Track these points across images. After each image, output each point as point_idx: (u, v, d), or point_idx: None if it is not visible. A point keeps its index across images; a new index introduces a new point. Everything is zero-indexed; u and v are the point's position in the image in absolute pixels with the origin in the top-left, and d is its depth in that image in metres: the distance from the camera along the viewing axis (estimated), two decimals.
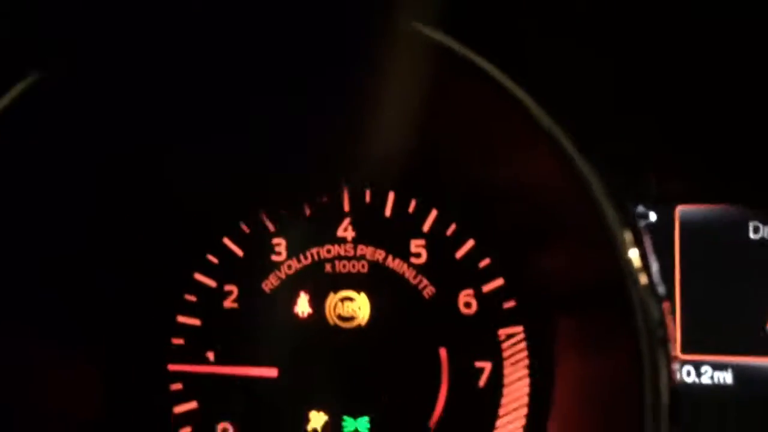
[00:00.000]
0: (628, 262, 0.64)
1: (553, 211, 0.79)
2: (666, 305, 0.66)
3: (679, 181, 0.93)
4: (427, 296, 0.95)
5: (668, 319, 0.66)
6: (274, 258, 0.99)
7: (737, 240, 0.93)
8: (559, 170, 0.67)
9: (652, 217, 0.96)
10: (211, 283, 1.00)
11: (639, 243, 0.65)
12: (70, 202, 0.91)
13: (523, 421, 0.92)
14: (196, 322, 1.00)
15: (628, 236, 0.65)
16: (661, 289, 0.66)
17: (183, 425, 0.99)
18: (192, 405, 0.99)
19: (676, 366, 0.66)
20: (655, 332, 0.63)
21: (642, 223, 0.93)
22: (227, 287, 1.00)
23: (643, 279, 0.64)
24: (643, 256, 0.64)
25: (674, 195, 0.94)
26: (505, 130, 0.75)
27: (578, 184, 0.65)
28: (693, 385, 0.93)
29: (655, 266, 0.67)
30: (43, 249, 0.89)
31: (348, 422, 0.96)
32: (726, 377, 0.92)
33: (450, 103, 0.76)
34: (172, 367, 0.99)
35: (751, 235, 0.93)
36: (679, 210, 0.95)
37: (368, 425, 0.95)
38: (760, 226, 0.93)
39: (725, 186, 0.91)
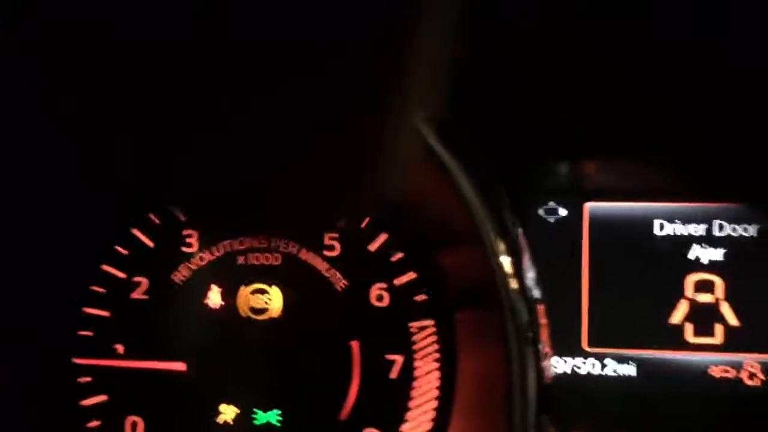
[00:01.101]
0: (500, 268, 0.66)
1: (443, 220, 0.80)
2: (541, 308, 0.68)
3: (588, 178, 0.94)
4: (339, 289, 0.93)
5: (542, 320, 0.68)
6: (185, 250, 0.96)
7: (644, 236, 0.95)
8: (443, 187, 0.69)
9: (562, 212, 0.96)
10: (120, 274, 0.96)
11: (513, 251, 0.66)
12: None
13: (432, 414, 0.91)
14: (104, 314, 0.96)
15: (500, 246, 0.66)
16: (535, 293, 0.67)
17: (92, 418, 0.95)
18: (101, 398, 0.95)
19: (548, 363, 0.68)
20: (523, 333, 0.65)
21: (552, 219, 0.96)
22: (137, 279, 0.96)
23: (514, 284, 0.65)
24: (517, 264, 0.66)
25: (583, 192, 0.95)
26: None
27: (459, 199, 0.66)
28: (597, 378, 0.95)
29: (531, 273, 0.68)
30: None
31: (259, 415, 0.94)
32: (629, 370, 0.95)
33: None
34: (79, 361, 0.95)
35: (657, 232, 0.95)
36: (588, 206, 0.96)
37: (279, 418, 0.95)
38: (665, 223, 0.95)
39: (633, 184, 0.93)
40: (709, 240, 0.91)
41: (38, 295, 0.95)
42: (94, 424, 0.95)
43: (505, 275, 0.65)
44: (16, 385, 0.94)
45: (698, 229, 0.92)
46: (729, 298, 0.91)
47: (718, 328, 0.91)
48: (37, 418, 0.95)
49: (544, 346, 0.68)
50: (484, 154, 0.74)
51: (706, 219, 0.92)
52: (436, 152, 0.66)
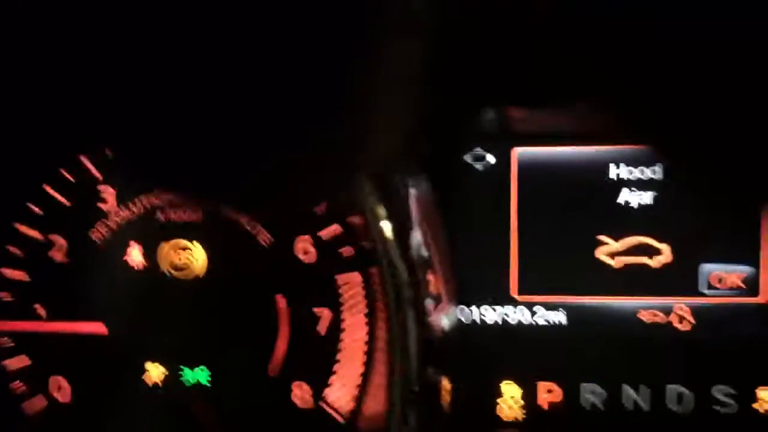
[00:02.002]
0: (380, 232, 0.66)
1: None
2: (433, 268, 0.68)
3: (516, 123, 0.91)
4: (264, 243, 0.90)
5: (428, 277, 0.68)
6: (102, 207, 0.91)
7: (572, 181, 0.92)
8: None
9: (490, 159, 0.93)
10: (36, 234, 0.92)
11: (394, 216, 0.65)
12: None
13: (361, 368, 0.90)
14: (22, 276, 0.93)
15: (381, 211, 0.65)
16: (420, 253, 0.67)
17: (14, 380, 0.92)
18: (23, 361, 0.93)
19: (437, 318, 0.69)
20: (402, 293, 0.65)
21: (479, 166, 0.93)
22: (54, 238, 0.92)
23: (394, 247, 0.65)
24: (399, 228, 0.65)
25: (511, 137, 0.92)
26: None
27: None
28: (528, 326, 0.94)
29: (417, 234, 0.67)
30: None
31: (187, 373, 0.92)
32: (559, 317, 0.93)
33: None
34: None
35: (586, 176, 0.92)
36: (516, 151, 0.93)
37: (207, 376, 0.92)
38: (594, 167, 0.92)
39: (561, 128, 0.89)
40: (638, 183, 0.89)
41: None
42: (18, 386, 0.93)
43: (384, 239, 0.65)
44: None
45: (627, 173, 0.90)
46: (658, 241, 0.90)
47: (647, 273, 0.90)
48: None
49: (432, 303, 0.67)
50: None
51: (635, 162, 0.89)
52: None
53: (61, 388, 0.92)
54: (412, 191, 0.76)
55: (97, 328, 0.90)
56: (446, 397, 0.76)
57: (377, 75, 0.76)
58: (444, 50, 0.81)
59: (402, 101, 0.81)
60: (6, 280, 0.92)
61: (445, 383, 0.75)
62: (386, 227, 0.68)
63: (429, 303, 0.70)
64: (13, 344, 0.92)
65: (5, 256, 0.92)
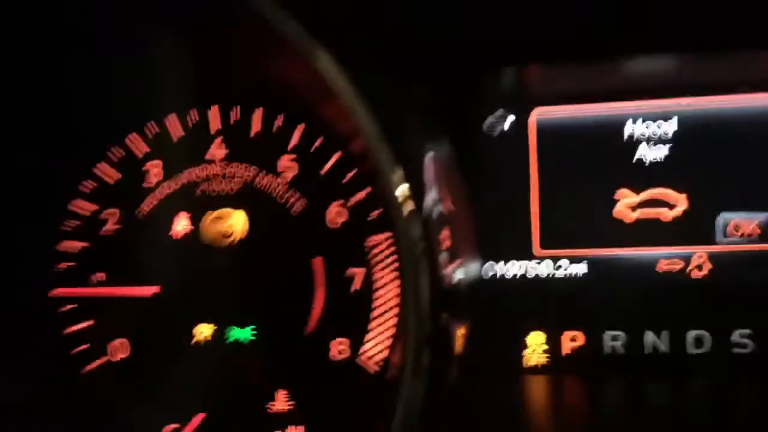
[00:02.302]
0: (393, 193, 0.70)
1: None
2: (444, 221, 0.73)
3: (534, 84, 0.94)
4: (298, 210, 0.95)
5: (443, 233, 0.72)
6: (150, 181, 0.98)
7: (589, 138, 0.95)
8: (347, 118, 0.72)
9: (510, 119, 0.97)
10: (91, 208, 0.99)
11: (409, 177, 0.69)
12: None
13: (394, 321, 0.96)
14: (80, 247, 1.00)
15: (397, 172, 0.70)
16: (434, 211, 0.72)
17: (79, 343, 1.00)
18: (85, 324, 1.00)
19: (448, 270, 0.73)
20: (415, 247, 0.70)
21: (500, 127, 0.97)
22: (107, 212, 0.99)
23: (408, 206, 0.70)
24: (414, 187, 0.70)
25: (530, 98, 0.95)
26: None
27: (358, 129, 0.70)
28: (550, 279, 0.98)
29: (431, 193, 0.72)
30: None
31: (234, 332, 0.99)
32: (581, 269, 0.97)
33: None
34: (61, 291, 0.99)
35: (603, 133, 0.95)
36: (536, 112, 0.96)
37: (251, 334, 0.99)
38: (611, 124, 0.95)
39: (578, 88, 0.92)
40: (654, 138, 0.92)
41: (18, 232, 1.01)
42: (81, 347, 1.01)
43: (397, 199, 0.69)
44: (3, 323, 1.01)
45: (644, 128, 0.92)
46: (678, 192, 0.92)
47: (665, 224, 0.93)
48: (27, 349, 1.03)
49: (446, 256, 0.72)
50: (389, 78, 0.77)
51: (651, 117, 0.92)
52: (331, 82, 0.68)
53: (119, 347, 1.00)
54: (430, 152, 0.80)
55: (150, 291, 0.98)
56: (460, 343, 0.81)
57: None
58: (464, 10, 0.84)
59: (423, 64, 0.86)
60: (67, 252, 1.00)
61: (460, 330, 0.80)
62: (403, 187, 0.72)
63: (443, 256, 0.75)
64: (74, 309, 1.01)
65: (65, 229, 1.01)
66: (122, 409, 0.99)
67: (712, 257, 0.90)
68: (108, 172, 0.99)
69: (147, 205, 0.98)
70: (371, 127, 0.70)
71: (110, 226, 0.99)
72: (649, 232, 0.91)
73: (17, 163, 0.94)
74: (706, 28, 0.76)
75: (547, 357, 0.94)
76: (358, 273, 0.95)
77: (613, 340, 0.93)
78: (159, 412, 0.99)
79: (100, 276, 1.00)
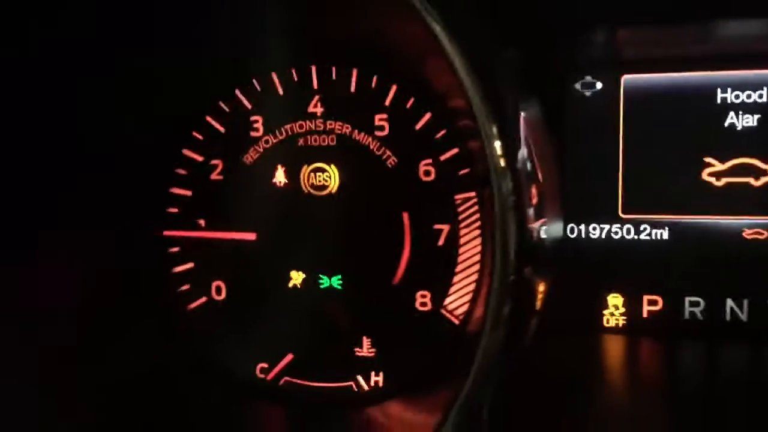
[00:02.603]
0: (492, 149, 0.73)
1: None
2: (532, 179, 0.76)
3: (622, 50, 0.96)
4: (390, 166, 1.00)
5: (531, 190, 0.75)
6: (253, 134, 1.05)
7: (678, 105, 0.96)
8: (447, 72, 0.75)
9: (599, 86, 0.99)
10: (199, 157, 1.07)
11: (503, 134, 0.73)
12: (71, 91, 1.01)
13: (475, 276, 0.99)
14: (187, 192, 1.07)
15: (493, 129, 0.73)
16: (525, 167, 0.75)
17: (182, 283, 1.08)
18: (189, 265, 1.08)
19: (535, 226, 0.76)
20: (506, 201, 0.73)
21: (589, 92, 0.99)
22: (213, 161, 1.06)
23: (502, 162, 0.73)
24: (507, 145, 0.73)
25: (618, 64, 0.97)
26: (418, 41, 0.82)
27: (459, 86, 0.74)
28: (633, 242, 1.00)
29: (522, 151, 0.75)
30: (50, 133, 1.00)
31: (324, 280, 1.04)
32: (663, 234, 0.99)
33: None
34: (168, 233, 1.08)
35: (690, 101, 0.96)
36: (624, 79, 0.98)
37: (340, 282, 1.04)
38: (698, 91, 0.95)
39: (665, 54, 0.94)
40: (744, 107, 0.92)
41: (131, 179, 1.09)
42: (185, 287, 1.09)
43: (492, 153, 0.73)
44: (116, 258, 1.10)
45: (734, 97, 0.93)
46: (765, 162, 0.93)
47: (752, 192, 0.93)
48: (137, 286, 1.12)
49: (533, 212, 0.76)
50: (490, 35, 0.80)
51: (742, 86, 0.92)
52: (434, 34, 0.72)
53: (218, 289, 1.08)
54: (523, 113, 0.84)
55: (249, 236, 1.05)
56: (541, 299, 0.84)
57: None
58: None
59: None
60: (174, 196, 1.08)
61: (542, 286, 0.84)
62: (497, 144, 0.76)
63: (530, 211, 0.79)
64: (179, 250, 1.10)
65: (174, 176, 1.09)
66: (218, 346, 1.08)
67: None
68: (216, 124, 1.06)
69: (250, 156, 1.05)
70: (472, 85, 0.73)
71: (216, 175, 1.07)
72: (734, 200, 0.92)
73: (137, 111, 1.03)
74: None
75: (626, 319, 0.96)
76: (444, 229, 1.00)
77: (693, 305, 0.94)
78: (251, 351, 1.08)
79: (204, 221, 1.09)
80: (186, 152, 1.08)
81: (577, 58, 0.94)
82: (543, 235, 0.83)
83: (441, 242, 1.00)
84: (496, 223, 0.73)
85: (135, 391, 1.03)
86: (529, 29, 0.88)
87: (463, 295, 0.99)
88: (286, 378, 1.06)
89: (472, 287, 0.99)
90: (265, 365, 1.07)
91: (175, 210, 1.09)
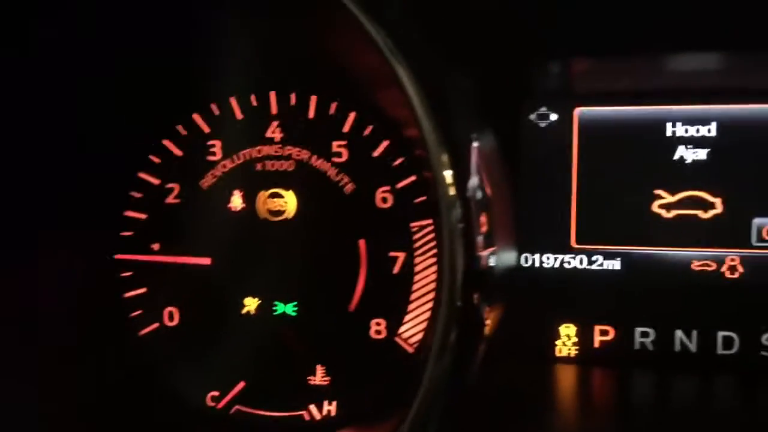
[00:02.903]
0: (442, 177, 0.75)
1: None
2: (483, 207, 0.78)
3: (578, 83, 0.98)
4: (347, 192, 1.01)
5: (481, 218, 0.77)
6: (210, 158, 1.05)
7: (630, 138, 0.98)
8: (402, 101, 0.77)
9: (553, 117, 1.01)
10: (155, 180, 1.06)
11: (455, 163, 0.75)
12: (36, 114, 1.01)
13: (431, 304, 0.99)
14: (142, 216, 1.07)
15: (444, 159, 0.75)
16: (476, 195, 0.76)
17: (134, 309, 1.07)
18: (141, 290, 1.07)
19: (484, 254, 0.78)
20: (454, 228, 0.74)
21: (543, 123, 1.02)
22: (169, 185, 1.06)
23: (452, 191, 0.75)
24: (459, 173, 0.75)
25: (573, 97, 0.99)
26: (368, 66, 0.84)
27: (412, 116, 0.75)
28: (585, 272, 1.01)
29: (473, 180, 0.77)
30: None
31: (278, 306, 1.03)
32: (615, 265, 1.00)
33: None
34: (121, 256, 1.06)
35: (643, 134, 0.98)
36: (578, 111, 1.01)
37: (295, 309, 1.03)
38: (651, 125, 0.98)
39: (620, 87, 0.96)
40: (693, 141, 0.95)
41: (85, 201, 1.08)
42: (135, 313, 1.08)
43: (441, 182, 0.74)
44: (67, 282, 1.08)
45: (683, 131, 0.96)
46: (714, 195, 0.96)
47: (700, 225, 0.95)
48: (86, 312, 1.10)
49: (482, 239, 0.77)
50: (445, 66, 0.82)
51: (691, 121, 0.95)
52: (389, 63, 0.74)
53: (171, 314, 1.07)
54: (476, 143, 0.85)
55: (203, 261, 1.04)
56: (490, 326, 0.85)
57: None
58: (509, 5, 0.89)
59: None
60: (128, 220, 1.07)
61: (491, 313, 0.84)
62: (447, 172, 0.78)
63: (479, 239, 0.80)
64: (131, 275, 1.08)
65: (128, 199, 1.08)
66: (169, 373, 1.07)
67: (745, 260, 0.93)
68: (173, 148, 1.06)
69: (207, 180, 1.05)
70: (423, 114, 0.75)
71: (172, 199, 1.06)
72: (683, 232, 0.94)
73: (92, 134, 1.03)
74: (748, 26, 0.80)
75: (578, 349, 0.97)
76: (399, 256, 1.01)
77: (643, 336, 0.96)
78: (203, 378, 1.06)
79: (158, 245, 1.08)
80: (142, 175, 1.07)
81: (533, 89, 0.96)
82: (492, 263, 0.84)
83: (396, 270, 1.00)
84: (445, 249, 0.74)
85: (82, 418, 1.01)
86: (485, 59, 0.90)
87: (418, 323, 0.99)
88: (237, 406, 1.04)
89: (426, 315, 0.99)
90: (216, 393, 1.05)
91: (128, 233, 1.08)
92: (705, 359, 0.94)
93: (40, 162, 0.99)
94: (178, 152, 1.06)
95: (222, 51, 1.02)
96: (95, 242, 1.06)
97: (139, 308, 1.07)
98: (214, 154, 1.05)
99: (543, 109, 0.97)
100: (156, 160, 1.07)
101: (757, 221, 0.93)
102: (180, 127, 1.06)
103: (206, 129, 1.05)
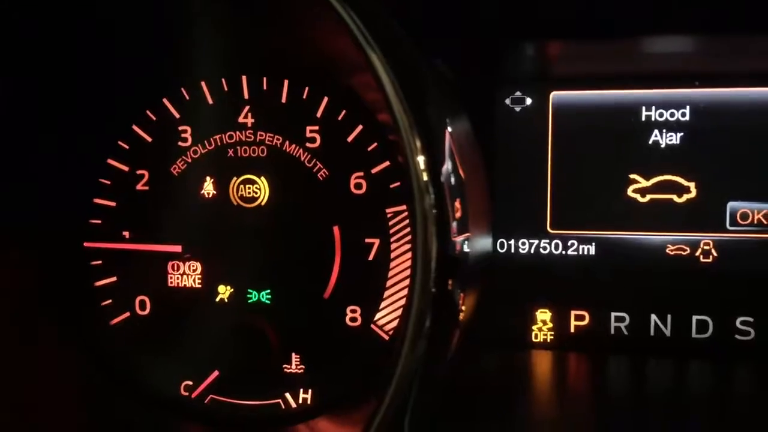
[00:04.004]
0: (414, 163, 0.76)
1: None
2: (457, 193, 0.79)
3: (553, 67, 1.00)
4: (321, 178, 1.01)
5: (455, 204, 0.78)
6: (181, 144, 1.04)
7: (604, 122, 0.99)
8: (374, 85, 0.77)
9: (528, 101, 1.03)
10: (124, 167, 1.06)
11: (428, 148, 0.76)
12: None
13: (406, 291, 1.00)
14: (111, 203, 1.06)
15: (417, 142, 0.76)
16: (450, 181, 0.78)
17: (104, 298, 1.07)
18: (111, 279, 1.07)
19: (458, 239, 0.79)
20: (428, 214, 0.76)
21: (518, 108, 1.03)
22: (139, 171, 1.05)
23: (424, 177, 0.76)
24: (431, 158, 0.76)
25: (548, 81, 1.01)
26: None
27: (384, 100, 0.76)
28: (560, 257, 1.04)
29: (447, 165, 0.78)
30: None
31: (252, 294, 1.03)
32: (590, 250, 1.03)
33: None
34: (90, 244, 1.06)
35: (618, 118, 1.00)
36: (553, 95, 1.02)
37: (269, 297, 1.04)
38: (626, 109, 1.00)
39: (595, 71, 0.98)
40: (668, 125, 0.97)
41: (52, 188, 1.08)
42: (106, 302, 1.07)
43: (415, 168, 0.75)
44: (36, 271, 1.09)
45: (658, 115, 0.98)
46: (688, 179, 0.98)
47: (675, 209, 0.98)
48: (57, 301, 1.11)
49: (456, 225, 0.78)
50: (419, 50, 0.83)
51: (666, 105, 0.97)
52: (361, 47, 0.75)
53: (142, 303, 1.07)
54: (450, 128, 0.86)
55: (175, 249, 1.04)
56: (466, 313, 0.87)
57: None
58: None
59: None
60: (98, 207, 1.07)
61: (466, 300, 0.86)
62: (420, 158, 0.79)
63: (453, 225, 0.81)
64: (101, 263, 1.08)
65: (98, 186, 1.09)
66: (141, 363, 1.07)
67: (719, 244, 0.95)
68: (143, 133, 1.05)
69: (178, 166, 1.04)
70: (396, 99, 0.76)
71: (141, 186, 1.06)
72: (658, 216, 0.96)
73: (59, 118, 1.03)
74: (723, 10, 0.81)
75: (553, 334, 0.99)
76: (375, 242, 1.01)
77: (618, 321, 0.98)
78: (176, 368, 1.06)
79: (128, 233, 1.07)
80: (111, 162, 1.06)
81: (508, 74, 0.98)
82: (467, 249, 0.85)
83: (371, 256, 1.01)
84: (418, 236, 0.75)
85: (54, 409, 1.01)
86: (460, 43, 0.91)
87: (394, 311, 1.00)
88: (212, 396, 1.05)
89: (402, 302, 1.00)
90: (189, 383, 1.05)
91: (98, 221, 1.08)
92: (679, 343, 0.96)
93: (4, 149, 1.00)
94: (147, 138, 1.05)
95: (192, 34, 1.02)
96: (64, 230, 1.06)
97: (110, 298, 1.07)
98: (185, 139, 1.05)
99: (518, 94, 0.98)
100: (125, 146, 1.06)
101: (731, 205, 0.95)
102: (149, 113, 1.05)
103: (176, 114, 1.04)
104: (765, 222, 0.94)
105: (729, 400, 0.92)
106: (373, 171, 1.00)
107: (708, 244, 0.95)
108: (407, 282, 1.00)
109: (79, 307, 1.07)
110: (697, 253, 0.96)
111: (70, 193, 1.06)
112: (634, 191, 0.97)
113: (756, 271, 0.93)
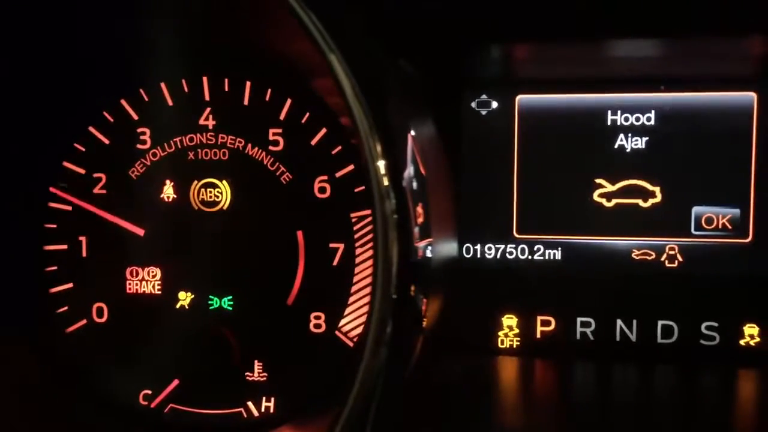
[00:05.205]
0: (375, 167, 0.77)
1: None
2: (420, 197, 0.80)
3: (519, 70, 1.01)
4: (284, 182, 1.00)
5: (418, 208, 0.80)
6: (140, 146, 1.04)
7: (570, 126, 1.00)
8: (335, 89, 0.78)
9: (494, 105, 1.04)
10: (80, 170, 1.05)
11: (388, 153, 0.77)
12: None
13: (369, 298, 1.05)
14: (67, 207, 1.05)
15: (377, 146, 0.77)
16: (412, 186, 0.79)
17: (60, 305, 1.06)
18: (67, 285, 1.06)
19: (420, 245, 0.80)
20: (389, 219, 0.77)
21: (484, 111, 1.05)
22: (96, 174, 1.05)
23: (385, 181, 0.77)
24: (392, 163, 0.77)
25: (514, 84, 1.02)
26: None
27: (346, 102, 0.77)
28: (526, 262, 1.05)
29: (409, 169, 0.79)
30: None
31: (213, 301, 1.03)
32: (556, 254, 1.05)
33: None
34: (47, 248, 1.06)
35: (583, 122, 1.02)
36: (519, 99, 1.04)
37: (231, 303, 1.03)
38: (592, 113, 1.02)
39: (560, 75, 1.00)
40: (633, 129, 0.99)
41: (6, 193, 1.08)
42: (62, 309, 1.07)
43: (375, 172, 0.76)
44: None
45: (623, 120, 1.00)
46: (653, 183, 1.00)
47: (640, 214, 1.00)
48: (10, 308, 1.10)
49: (418, 230, 0.80)
50: (382, 53, 0.84)
51: (631, 109, 0.99)
52: (320, 50, 0.76)
53: (100, 310, 1.06)
54: (413, 131, 0.88)
55: (137, 231, 1.04)
56: (429, 318, 0.88)
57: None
58: None
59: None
60: (53, 211, 1.06)
61: (427, 305, 0.87)
62: (380, 162, 0.80)
63: (415, 230, 0.82)
64: (56, 269, 1.07)
65: (57, 189, 1.06)
66: (99, 372, 1.06)
67: (684, 249, 0.98)
68: (100, 135, 1.04)
69: (137, 169, 1.04)
70: (356, 102, 0.76)
71: (99, 189, 1.05)
72: (623, 221, 0.98)
73: (10, 118, 1.02)
74: (688, 14, 0.83)
75: (519, 340, 1.01)
76: (339, 247, 1.02)
77: (584, 326, 1.00)
78: (134, 377, 1.05)
79: (84, 238, 1.06)
80: (67, 165, 1.06)
81: (473, 77, 0.99)
82: (429, 254, 0.87)
83: (336, 261, 1.01)
84: (379, 241, 0.76)
85: (8, 417, 1.01)
86: (424, 46, 0.93)
87: (359, 317, 1.00)
88: (172, 405, 1.04)
89: (366, 308, 1.02)
90: (148, 392, 1.05)
91: (53, 226, 1.07)
92: (645, 348, 0.98)
93: None
94: (104, 140, 1.04)
95: (151, 34, 1.03)
96: (18, 235, 1.06)
97: (66, 304, 1.06)
98: (143, 142, 1.04)
99: (484, 97, 0.99)
100: (81, 148, 1.05)
101: (696, 210, 0.98)
102: (107, 114, 1.04)
103: (135, 116, 1.04)
104: (729, 227, 0.97)
105: (694, 404, 0.94)
106: (338, 174, 1.00)
107: (673, 248, 0.98)
108: (371, 288, 1.01)
109: (35, 312, 1.07)
110: (663, 258, 0.98)
111: (24, 195, 1.05)
112: (600, 195, 0.99)
113: (721, 276, 0.96)
